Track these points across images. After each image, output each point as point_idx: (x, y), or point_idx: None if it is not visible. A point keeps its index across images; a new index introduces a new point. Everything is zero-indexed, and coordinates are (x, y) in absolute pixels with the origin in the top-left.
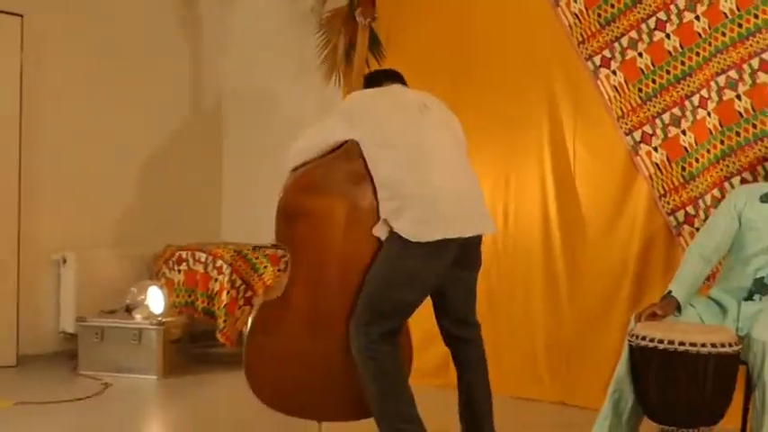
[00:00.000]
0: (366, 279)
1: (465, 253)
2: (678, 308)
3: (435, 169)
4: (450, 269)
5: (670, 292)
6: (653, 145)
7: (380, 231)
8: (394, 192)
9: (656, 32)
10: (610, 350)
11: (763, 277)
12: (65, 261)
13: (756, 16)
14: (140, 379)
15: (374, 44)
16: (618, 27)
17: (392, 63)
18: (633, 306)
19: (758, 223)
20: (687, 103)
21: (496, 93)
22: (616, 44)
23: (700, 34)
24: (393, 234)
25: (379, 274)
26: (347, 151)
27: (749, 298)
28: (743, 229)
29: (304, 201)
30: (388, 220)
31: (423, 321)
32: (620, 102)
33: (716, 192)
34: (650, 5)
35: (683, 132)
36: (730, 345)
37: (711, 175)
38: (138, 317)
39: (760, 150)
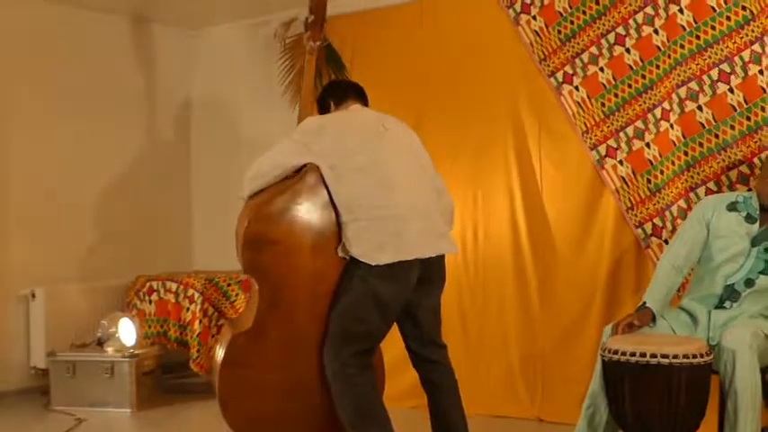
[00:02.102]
0: (334, 302)
1: (428, 272)
2: (653, 318)
3: (394, 191)
4: (415, 289)
5: (644, 303)
6: (618, 158)
7: (344, 253)
8: (353, 215)
9: (616, 47)
10: (584, 364)
11: (733, 284)
12: (34, 296)
13: (714, 28)
14: (114, 413)
15: (338, 67)
16: (578, 43)
17: None
18: (606, 319)
19: (726, 231)
20: (650, 115)
21: (461, 112)
22: (577, 60)
23: (659, 47)
24: (353, 257)
25: (345, 296)
26: (308, 175)
27: (720, 305)
28: (711, 238)
29: (270, 229)
30: (346, 245)
31: (396, 342)
32: (584, 117)
33: (682, 202)
34: (609, 21)
35: (647, 145)
36: (702, 355)
37: (677, 187)
38: (109, 350)
39: (723, 160)
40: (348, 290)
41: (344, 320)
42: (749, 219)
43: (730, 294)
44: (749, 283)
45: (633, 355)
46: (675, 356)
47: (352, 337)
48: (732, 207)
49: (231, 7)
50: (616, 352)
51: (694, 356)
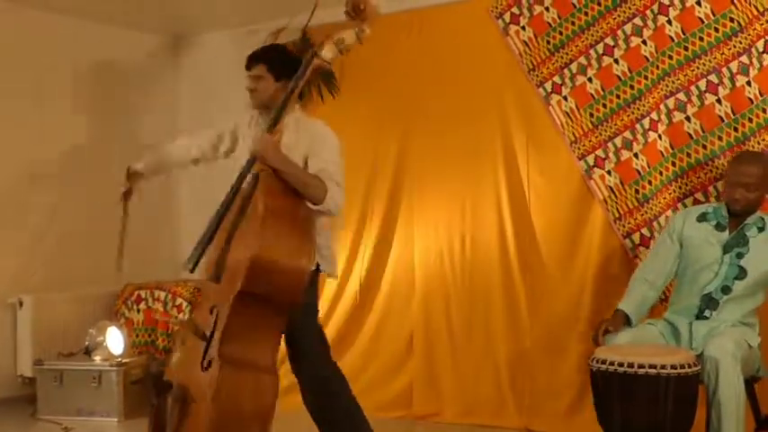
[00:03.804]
0: (304, 314)
1: None
2: (628, 321)
3: None
4: None
5: (619, 309)
6: (606, 169)
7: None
8: (323, 230)
9: (605, 57)
10: (572, 374)
11: (710, 292)
12: (21, 304)
13: (702, 39)
14: (101, 422)
15: (327, 77)
16: (567, 53)
17: (346, 96)
18: (593, 330)
19: (698, 241)
20: (638, 126)
21: (450, 121)
22: (566, 70)
23: (647, 58)
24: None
25: (314, 307)
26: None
27: (700, 315)
28: (685, 250)
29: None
30: (320, 261)
31: (381, 355)
32: (573, 127)
33: (670, 213)
34: (598, 31)
35: (636, 155)
36: (689, 365)
37: (665, 197)
38: (97, 359)
39: (711, 171)
40: (313, 300)
41: (320, 330)
42: (719, 227)
43: (708, 303)
44: (725, 290)
45: (621, 365)
46: (663, 367)
47: (327, 344)
48: (702, 218)
49: (220, 16)
50: (604, 362)
51: (682, 367)
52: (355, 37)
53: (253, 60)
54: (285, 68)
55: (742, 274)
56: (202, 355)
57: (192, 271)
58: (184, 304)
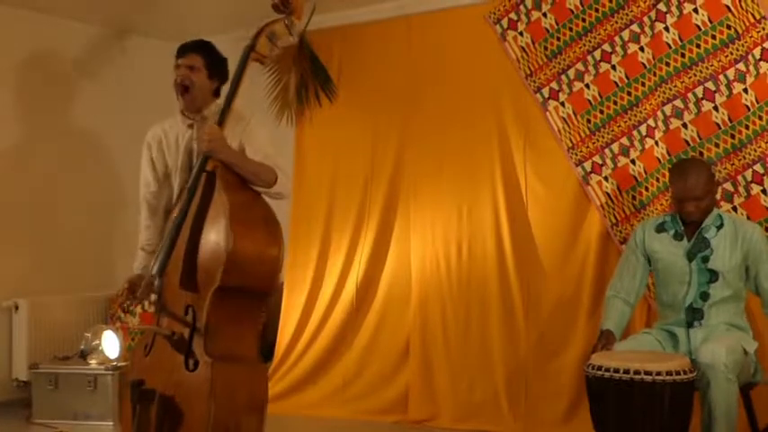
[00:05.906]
0: None
1: None
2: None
3: None
4: None
5: (607, 328)
6: (603, 175)
7: None
8: None
9: (602, 64)
10: (568, 380)
11: (691, 303)
12: (17, 308)
13: (699, 46)
14: (97, 426)
15: (325, 81)
16: (564, 59)
17: (344, 99)
18: (590, 334)
19: (662, 254)
20: (635, 132)
21: (448, 126)
22: (563, 76)
23: (644, 65)
24: None
25: None
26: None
27: (690, 326)
28: (654, 264)
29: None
30: None
31: (378, 360)
32: (570, 133)
33: None
34: (595, 38)
35: (633, 162)
36: (684, 372)
37: (662, 203)
38: (92, 362)
39: None
40: None
41: None
42: (677, 236)
43: (694, 314)
44: (704, 296)
45: (617, 371)
46: (659, 373)
47: None
48: (660, 228)
49: (216, 20)
50: (600, 368)
51: (677, 373)
52: (285, 29)
53: (188, 49)
54: (219, 67)
55: (714, 276)
56: (185, 357)
57: (160, 277)
58: None
